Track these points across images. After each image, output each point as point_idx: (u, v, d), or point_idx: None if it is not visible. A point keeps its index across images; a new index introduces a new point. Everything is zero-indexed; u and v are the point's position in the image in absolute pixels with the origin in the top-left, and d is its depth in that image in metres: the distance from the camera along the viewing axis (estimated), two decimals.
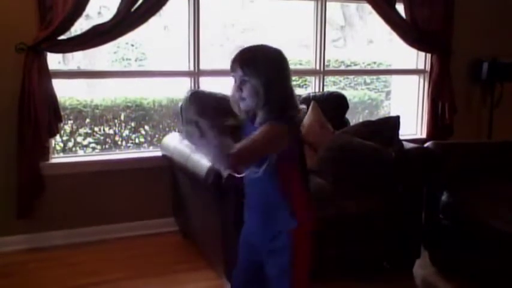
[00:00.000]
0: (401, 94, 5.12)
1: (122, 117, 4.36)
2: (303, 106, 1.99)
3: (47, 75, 3.46)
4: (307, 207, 1.94)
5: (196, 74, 4.02)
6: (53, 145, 3.83)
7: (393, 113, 4.74)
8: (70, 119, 4.21)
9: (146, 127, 4.45)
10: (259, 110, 1.85)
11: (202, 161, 2.98)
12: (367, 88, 6.44)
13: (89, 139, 4.32)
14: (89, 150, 4.30)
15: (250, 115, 1.92)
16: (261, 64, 1.82)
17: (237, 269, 2.09)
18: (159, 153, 3.88)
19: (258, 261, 1.96)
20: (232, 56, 1.87)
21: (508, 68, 4.76)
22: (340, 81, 6.36)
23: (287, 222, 1.88)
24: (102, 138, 4.31)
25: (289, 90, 1.87)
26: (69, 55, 5.33)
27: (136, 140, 4.44)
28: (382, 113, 5.85)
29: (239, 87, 1.84)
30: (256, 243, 1.97)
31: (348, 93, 5.06)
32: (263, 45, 1.92)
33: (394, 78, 5.42)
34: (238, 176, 1.84)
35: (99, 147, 4.32)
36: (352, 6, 7.10)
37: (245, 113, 1.92)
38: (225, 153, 1.71)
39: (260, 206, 1.94)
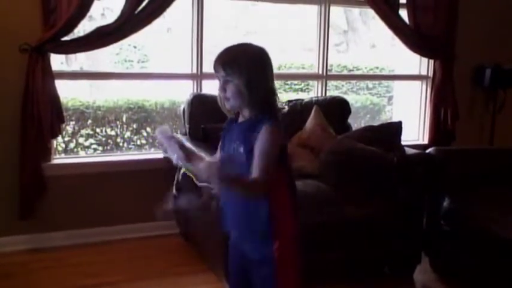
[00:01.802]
0: (403, 99, 5.12)
1: (124, 119, 4.37)
2: (285, 107, 1.93)
3: (50, 75, 3.46)
4: (293, 216, 1.88)
5: (199, 76, 4.02)
6: (55, 146, 3.83)
7: (395, 118, 4.75)
8: (72, 120, 4.21)
9: (148, 129, 4.46)
10: (244, 108, 1.84)
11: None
12: (369, 93, 6.44)
13: (91, 140, 4.32)
14: (91, 151, 4.31)
15: (235, 114, 1.91)
16: (242, 64, 1.79)
17: (230, 275, 2.07)
18: (160, 156, 3.87)
19: (246, 265, 1.93)
20: (215, 56, 1.85)
21: (511, 75, 4.75)
22: (343, 85, 6.36)
23: (270, 234, 1.83)
24: (103, 139, 4.32)
25: (271, 89, 1.85)
26: (72, 56, 5.34)
27: (138, 142, 4.44)
28: (384, 118, 5.85)
29: (223, 87, 1.83)
30: (244, 251, 1.93)
31: (350, 98, 5.07)
32: (245, 44, 1.91)
33: (396, 83, 5.42)
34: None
35: (100, 148, 4.32)
36: (355, 11, 7.11)
37: (232, 112, 1.90)
38: (253, 193, 1.76)
39: (241, 216, 1.89)
